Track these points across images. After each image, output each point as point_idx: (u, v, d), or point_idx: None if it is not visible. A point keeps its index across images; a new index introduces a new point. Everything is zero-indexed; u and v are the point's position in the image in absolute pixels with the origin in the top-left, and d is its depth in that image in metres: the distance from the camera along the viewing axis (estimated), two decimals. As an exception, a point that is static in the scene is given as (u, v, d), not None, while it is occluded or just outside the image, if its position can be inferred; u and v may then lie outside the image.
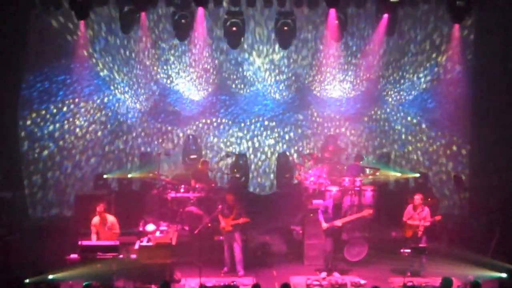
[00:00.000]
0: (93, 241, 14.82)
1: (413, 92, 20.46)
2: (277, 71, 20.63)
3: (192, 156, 19.55)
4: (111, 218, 15.23)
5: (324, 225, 15.35)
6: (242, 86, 20.74)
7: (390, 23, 18.77)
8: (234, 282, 14.45)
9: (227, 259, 15.77)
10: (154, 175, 18.30)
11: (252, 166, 20.74)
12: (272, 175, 20.76)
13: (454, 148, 20.28)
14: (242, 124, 20.88)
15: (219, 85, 20.66)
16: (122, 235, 15.36)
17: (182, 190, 17.47)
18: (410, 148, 20.69)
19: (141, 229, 15.32)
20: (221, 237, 16.14)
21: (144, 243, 14.71)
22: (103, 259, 14.15)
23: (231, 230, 15.67)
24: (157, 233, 15.07)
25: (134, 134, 20.47)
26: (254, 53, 20.43)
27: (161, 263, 14.53)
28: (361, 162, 18.77)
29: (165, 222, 16.36)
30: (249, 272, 15.59)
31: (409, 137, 20.69)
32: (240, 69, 20.60)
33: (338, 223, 15.37)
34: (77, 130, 19.95)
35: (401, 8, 18.79)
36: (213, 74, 20.52)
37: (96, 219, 15.13)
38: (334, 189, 17.02)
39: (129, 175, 19.36)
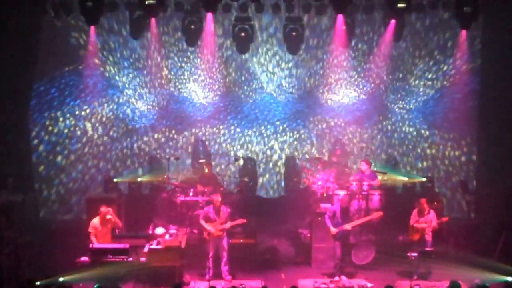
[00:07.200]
0: (95, 243, 14.85)
1: (420, 97, 20.55)
2: (285, 76, 20.76)
3: (201, 160, 19.66)
4: (108, 216, 15.36)
5: (333, 230, 15.36)
6: (251, 91, 20.88)
7: (397, 29, 18.89)
8: (243, 285, 14.57)
9: (211, 264, 15.21)
10: (164, 179, 18.48)
11: (261, 170, 20.86)
12: (280, 179, 20.87)
13: (461, 152, 20.37)
14: (251, 129, 21.00)
15: (227, 90, 20.81)
16: (131, 238, 15.54)
17: (191, 194, 17.61)
18: (417, 152, 20.78)
19: (150, 232, 15.43)
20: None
21: (154, 246, 14.82)
22: (113, 262, 14.26)
23: (221, 235, 15.40)
24: (167, 236, 15.20)
25: (143, 138, 20.62)
26: (262, 58, 20.58)
27: (170, 266, 14.62)
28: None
29: (175, 225, 16.49)
30: (257, 275, 15.66)
31: (416, 142, 20.76)
32: (249, 74, 20.74)
33: (348, 226, 15.41)
34: (87, 134, 20.16)
35: (408, 14, 18.86)
36: (221, 79, 20.66)
37: (96, 221, 15.22)
38: (342, 193, 17.05)
39: (139, 179, 19.54)
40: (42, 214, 19.51)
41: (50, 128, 19.86)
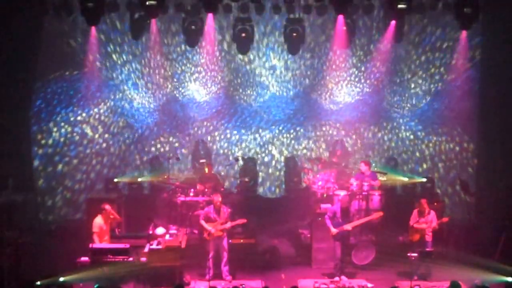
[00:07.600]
0: (96, 243, 14.86)
1: (419, 98, 20.53)
2: (285, 76, 20.76)
3: (202, 160, 19.67)
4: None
5: (334, 230, 15.35)
6: (251, 91, 20.88)
7: (398, 30, 18.92)
8: (243, 285, 14.58)
9: (212, 264, 15.26)
10: (164, 179, 18.49)
11: (261, 170, 20.87)
12: (280, 179, 20.88)
13: (461, 153, 20.38)
14: (251, 129, 21.00)
15: (228, 91, 20.81)
16: (131, 238, 15.59)
17: (191, 194, 17.62)
18: (417, 153, 20.79)
19: (151, 232, 15.44)
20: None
21: (154, 246, 14.82)
22: (113, 262, 14.25)
23: (221, 235, 15.39)
24: (167, 236, 15.22)
25: (143, 139, 20.63)
26: (262, 59, 20.58)
27: (170, 266, 14.61)
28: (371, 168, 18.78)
29: (175, 225, 16.53)
30: (258, 275, 15.66)
31: (416, 142, 20.77)
32: (249, 75, 20.74)
33: (348, 227, 15.43)
34: (88, 134, 20.16)
35: (409, 15, 18.86)
36: (222, 80, 20.66)
37: (99, 220, 15.21)
38: (342, 193, 17.04)
39: (139, 179, 19.59)
40: (42, 214, 19.49)
41: (50, 128, 19.83)
